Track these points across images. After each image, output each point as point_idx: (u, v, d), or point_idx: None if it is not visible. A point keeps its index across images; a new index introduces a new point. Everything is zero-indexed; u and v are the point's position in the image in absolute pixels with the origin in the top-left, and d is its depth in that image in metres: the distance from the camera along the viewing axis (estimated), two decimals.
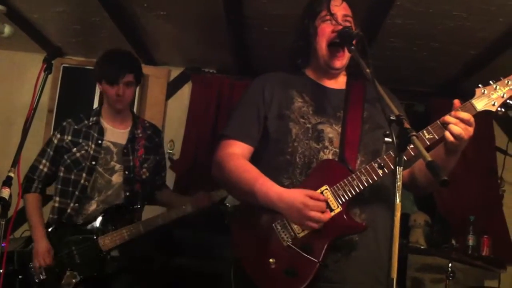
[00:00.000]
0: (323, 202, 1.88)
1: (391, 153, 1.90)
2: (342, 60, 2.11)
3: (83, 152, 3.07)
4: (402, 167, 1.48)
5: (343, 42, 2.03)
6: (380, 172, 1.91)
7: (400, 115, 1.53)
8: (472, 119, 1.85)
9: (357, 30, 2.07)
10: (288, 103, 2.10)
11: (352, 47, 1.97)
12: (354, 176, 1.92)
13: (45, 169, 3.11)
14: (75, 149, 3.07)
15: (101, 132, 3.12)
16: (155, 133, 3.32)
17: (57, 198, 3.07)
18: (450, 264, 3.73)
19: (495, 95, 1.93)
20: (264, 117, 2.12)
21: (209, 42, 4.24)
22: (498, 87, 1.94)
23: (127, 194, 3.07)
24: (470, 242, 4.36)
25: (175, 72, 5.00)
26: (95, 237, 2.97)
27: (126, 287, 3.05)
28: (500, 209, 4.58)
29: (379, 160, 1.92)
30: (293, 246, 1.92)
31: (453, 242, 4.35)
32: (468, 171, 4.47)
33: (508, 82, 1.95)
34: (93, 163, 3.05)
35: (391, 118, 1.54)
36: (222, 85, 4.79)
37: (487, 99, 1.93)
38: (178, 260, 4.15)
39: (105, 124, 3.17)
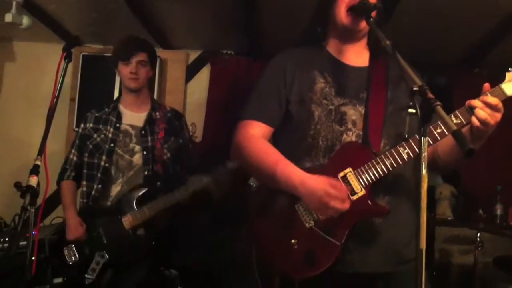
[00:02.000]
0: (345, 192, 1.86)
1: (417, 136, 1.86)
2: (362, 23, 2.02)
3: (102, 136, 3.24)
4: (426, 138, 1.47)
5: (361, 14, 1.98)
6: (405, 156, 1.87)
7: (423, 85, 1.50)
8: (500, 105, 1.80)
9: (377, 1, 2.03)
10: (311, 85, 2.05)
11: (371, 19, 1.92)
12: (378, 160, 1.89)
13: (74, 158, 3.32)
14: (95, 134, 3.26)
15: (119, 116, 3.29)
16: (175, 117, 3.42)
17: (84, 182, 3.23)
18: (478, 235, 3.71)
19: None
20: (286, 100, 2.07)
21: (224, 23, 4.22)
22: None
23: (146, 173, 3.18)
24: (498, 212, 4.33)
25: (193, 55, 5.00)
26: (119, 217, 3.08)
27: (144, 275, 3.11)
28: None
29: (404, 144, 1.88)
30: (315, 228, 1.91)
31: (481, 212, 4.32)
32: (492, 141, 4.39)
33: None
34: (112, 145, 3.20)
35: (414, 88, 1.51)
36: (239, 66, 4.78)
37: None
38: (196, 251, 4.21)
39: (123, 109, 3.33)
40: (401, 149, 1.88)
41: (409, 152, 1.87)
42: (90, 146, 3.24)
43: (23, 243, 1.98)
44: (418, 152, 1.77)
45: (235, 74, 4.77)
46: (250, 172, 2.20)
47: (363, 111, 2.01)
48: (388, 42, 1.78)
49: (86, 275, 2.97)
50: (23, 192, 2.03)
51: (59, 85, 2.28)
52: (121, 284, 3.05)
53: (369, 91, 2.04)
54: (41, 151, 2.18)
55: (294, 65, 2.10)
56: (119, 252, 3.04)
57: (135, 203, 3.09)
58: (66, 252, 3.05)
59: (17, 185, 2.12)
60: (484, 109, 1.78)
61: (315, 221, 1.92)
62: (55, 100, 2.27)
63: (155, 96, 4.58)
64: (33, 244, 2.10)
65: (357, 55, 2.15)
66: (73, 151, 3.33)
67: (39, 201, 2.11)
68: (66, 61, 2.34)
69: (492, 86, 1.87)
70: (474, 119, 1.79)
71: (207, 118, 4.79)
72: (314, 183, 1.85)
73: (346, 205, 1.83)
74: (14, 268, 3.00)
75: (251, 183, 3.63)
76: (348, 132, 1.98)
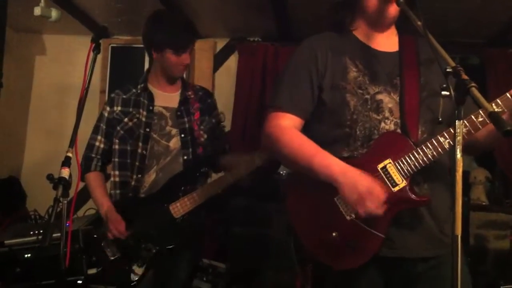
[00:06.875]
0: (384, 197, 1.79)
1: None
2: (393, 9, 1.97)
3: (135, 120, 2.92)
4: (462, 121, 1.43)
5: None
6: (446, 145, 1.82)
7: (457, 66, 1.47)
8: None
9: None
10: (343, 73, 1.99)
11: (401, 0, 1.88)
12: (419, 150, 1.85)
13: (102, 145, 2.99)
14: (126, 118, 2.93)
15: (151, 97, 2.97)
16: (207, 95, 3.15)
17: (117, 172, 2.93)
18: None
19: None
20: (318, 87, 2.01)
21: (251, 9, 4.19)
22: None
23: (185, 158, 2.92)
24: None
25: (221, 44, 5.00)
26: (165, 205, 2.82)
27: (189, 257, 2.97)
28: None
29: (445, 133, 1.84)
30: (356, 221, 1.87)
31: None
32: None
33: None
34: (147, 129, 2.90)
35: (447, 70, 1.48)
36: (267, 53, 4.75)
37: None
38: (236, 229, 4.21)
39: (154, 89, 3.01)
40: (441, 139, 1.84)
41: (450, 141, 1.82)
42: (122, 132, 2.92)
43: (56, 234, 1.98)
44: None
45: (263, 61, 4.74)
46: (284, 163, 2.14)
47: (397, 99, 1.97)
48: (419, 23, 1.74)
49: (133, 269, 2.77)
50: (55, 184, 2.05)
51: (89, 77, 2.28)
52: (169, 273, 2.88)
53: (402, 77, 2.00)
54: (73, 143, 2.19)
55: (325, 52, 2.03)
56: (170, 242, 2.80)
57: (181, 189, 2.85)
58: (107, 248, 2.81)
59: (50, 177, 2.13)
60: None
61: (356, 213, 1.86)
62: (85, 92, 2.28)
63: None
64: (66, 236, 2.12)
65: (386, 40, 2.09)
66: (98, 137, 2.98)
67: (72, 192, 2.12)
68: (95, 52, 2.33)
69: None
70: None
71: (235, 107, 4.78)
72: (358, 176, 1.81)
73: (381, 211, 1.78)
74: (49, 259, 3.06)
75: (281, 172, 3.61)
76: (386, 121, 1.94)
